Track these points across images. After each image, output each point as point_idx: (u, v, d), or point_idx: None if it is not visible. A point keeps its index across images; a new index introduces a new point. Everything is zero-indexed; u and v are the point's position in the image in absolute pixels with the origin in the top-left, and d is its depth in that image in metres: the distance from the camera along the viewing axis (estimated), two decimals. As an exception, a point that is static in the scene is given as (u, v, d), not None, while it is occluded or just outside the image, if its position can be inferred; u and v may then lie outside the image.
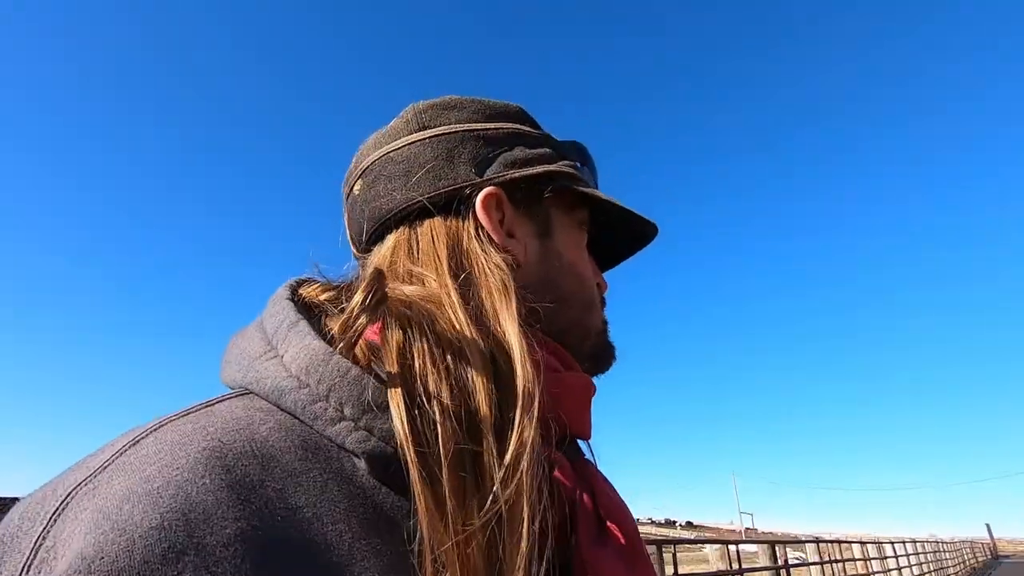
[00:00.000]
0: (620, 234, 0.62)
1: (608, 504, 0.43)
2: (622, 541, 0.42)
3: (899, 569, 11.86)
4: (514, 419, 0.34)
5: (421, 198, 0.46)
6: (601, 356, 0.55)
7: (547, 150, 0.52)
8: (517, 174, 0.48)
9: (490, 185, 0.47)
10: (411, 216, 0.47)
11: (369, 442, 0.33)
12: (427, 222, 0.46)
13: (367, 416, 0.33)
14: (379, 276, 0.38)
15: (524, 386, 0.36)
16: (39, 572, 0.24)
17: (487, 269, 0.43)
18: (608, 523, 0.42)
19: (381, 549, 0.30)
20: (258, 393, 0.35)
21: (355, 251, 0.52)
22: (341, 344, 0.36)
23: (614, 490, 0.48)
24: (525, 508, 0.32)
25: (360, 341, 0.37)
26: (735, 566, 5.58)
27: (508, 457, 0.33)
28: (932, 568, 15.78)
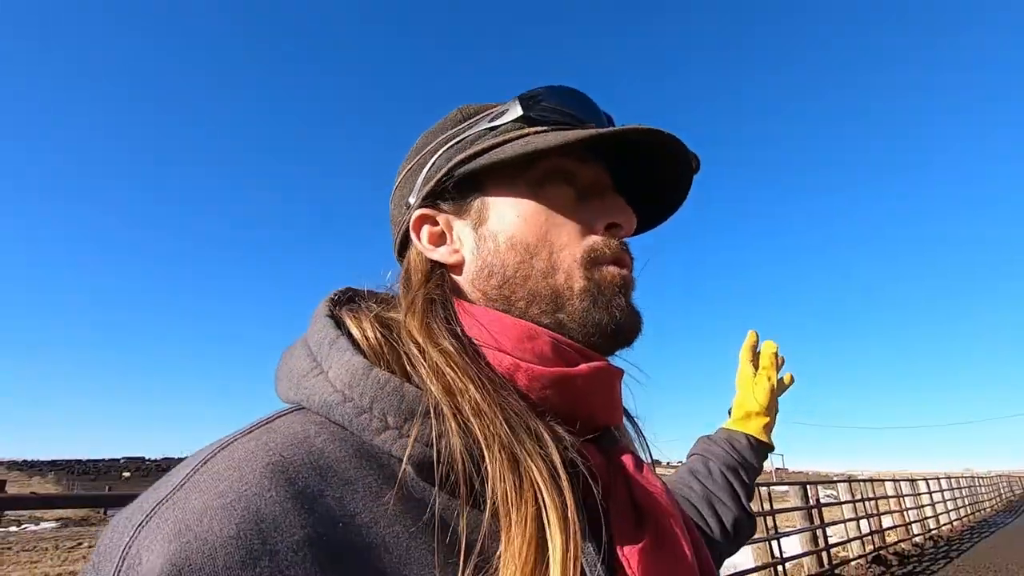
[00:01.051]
0: (649, 157, 0.52)
1: (643, 492, 0.43)
2: (659, 527, 0.41)
3: (933, 504, 11.91)
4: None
5: (394, 241, 0.56)
6: (616, 329, 0.46)
7: (475, 136, 0.50)
8: (427, 188, 0.50)
9: (414, 211, 0.51)
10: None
11: (415, 448, 0.35)
12: (406, 255, 0.53)
13: (408, 423, 0.36)
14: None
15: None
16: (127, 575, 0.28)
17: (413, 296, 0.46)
18: (646, 510, 0.42)
19: (435, 547, 0.34)
20: (309, 408, 0.38)
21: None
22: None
23: (650, 472, 0.47)
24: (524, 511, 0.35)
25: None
26: (766, 507, 5.65)
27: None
28: (967, 502, 15.82)
